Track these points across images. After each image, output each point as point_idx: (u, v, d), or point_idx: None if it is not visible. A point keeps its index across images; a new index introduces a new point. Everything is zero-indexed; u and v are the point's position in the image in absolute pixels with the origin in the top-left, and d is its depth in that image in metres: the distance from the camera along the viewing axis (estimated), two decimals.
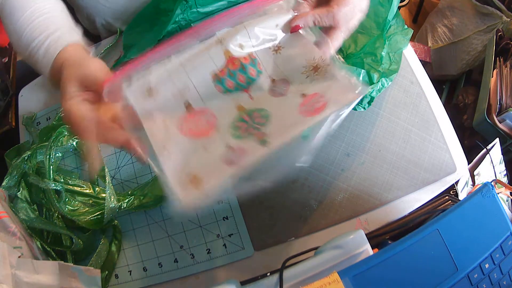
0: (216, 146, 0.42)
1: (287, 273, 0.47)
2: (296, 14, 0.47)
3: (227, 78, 0.45)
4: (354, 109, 0.57)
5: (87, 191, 0.65)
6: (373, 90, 0.57)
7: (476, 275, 0.48)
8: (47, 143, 0.66)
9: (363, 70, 0.57)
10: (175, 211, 0.38)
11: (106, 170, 0.64)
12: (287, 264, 0.48)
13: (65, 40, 0.48)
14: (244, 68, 0.45)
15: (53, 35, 0.49)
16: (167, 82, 0.45)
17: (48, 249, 0.61)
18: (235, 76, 0.45)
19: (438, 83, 1.46)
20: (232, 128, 0.43)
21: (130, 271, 0.62)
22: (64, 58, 0.46)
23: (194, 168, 0.40)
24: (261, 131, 0.41)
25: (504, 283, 0.49)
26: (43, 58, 0.48)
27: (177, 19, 0.73)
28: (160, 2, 0.69)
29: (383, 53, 0.64)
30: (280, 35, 0.47)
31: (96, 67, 0.44)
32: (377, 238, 0.59)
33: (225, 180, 0.39)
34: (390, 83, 0.62)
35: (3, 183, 0.64)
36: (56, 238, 0.63)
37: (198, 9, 0.71)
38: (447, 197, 0.64)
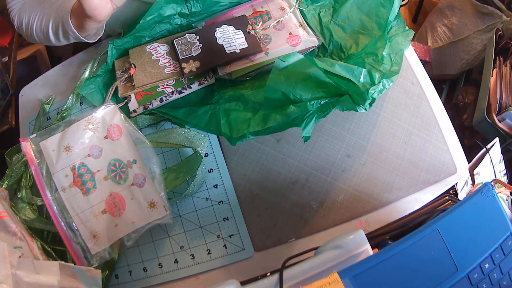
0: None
1: (287, 273, 0.47)
2: None
3: None
4: (355, 110, 0.57)
5: None
6: (374, 92, 0.57)
7: (476, 275, 0.48)
8: None
9: (364, 69, 0.57)
10: None
11: None
12: (287, 264, 0.48)
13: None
14: None
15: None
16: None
17: (49, 249, 0.61)
18: None
19: (438, 82, 1.46)
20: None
21: (130, 272, 0.62)
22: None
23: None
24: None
25: (504, 283, 0.49)
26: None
27: (178, 22, 0.73)
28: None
29: (384, 53, 0.64)
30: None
31: None
32: (377, 238, 0.60)
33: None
34: (391, 84, 0.62)
35: (3, 183, 0.64)
36: (56, 238, 0.63)
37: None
38: (447, 197, 0.64)
